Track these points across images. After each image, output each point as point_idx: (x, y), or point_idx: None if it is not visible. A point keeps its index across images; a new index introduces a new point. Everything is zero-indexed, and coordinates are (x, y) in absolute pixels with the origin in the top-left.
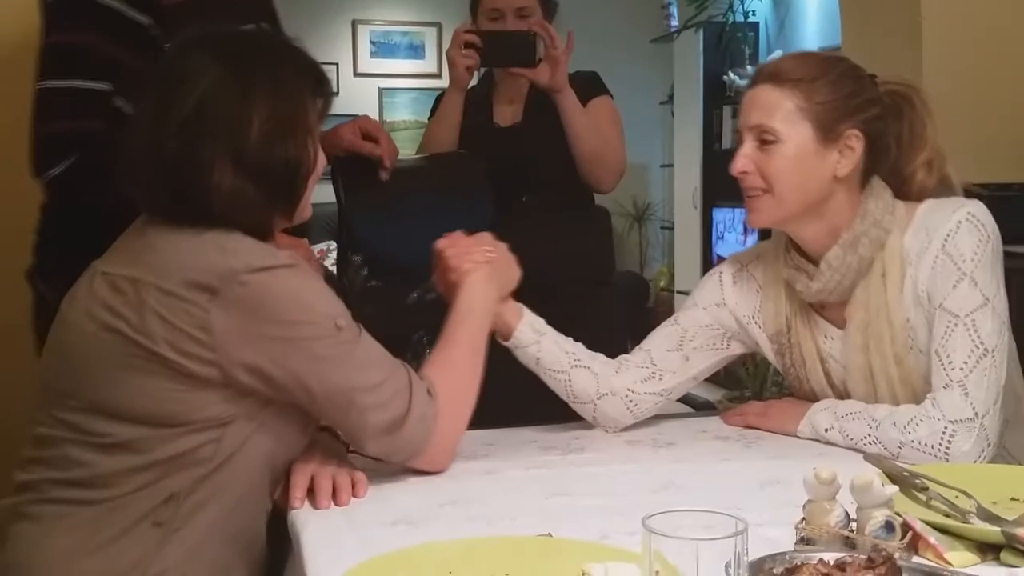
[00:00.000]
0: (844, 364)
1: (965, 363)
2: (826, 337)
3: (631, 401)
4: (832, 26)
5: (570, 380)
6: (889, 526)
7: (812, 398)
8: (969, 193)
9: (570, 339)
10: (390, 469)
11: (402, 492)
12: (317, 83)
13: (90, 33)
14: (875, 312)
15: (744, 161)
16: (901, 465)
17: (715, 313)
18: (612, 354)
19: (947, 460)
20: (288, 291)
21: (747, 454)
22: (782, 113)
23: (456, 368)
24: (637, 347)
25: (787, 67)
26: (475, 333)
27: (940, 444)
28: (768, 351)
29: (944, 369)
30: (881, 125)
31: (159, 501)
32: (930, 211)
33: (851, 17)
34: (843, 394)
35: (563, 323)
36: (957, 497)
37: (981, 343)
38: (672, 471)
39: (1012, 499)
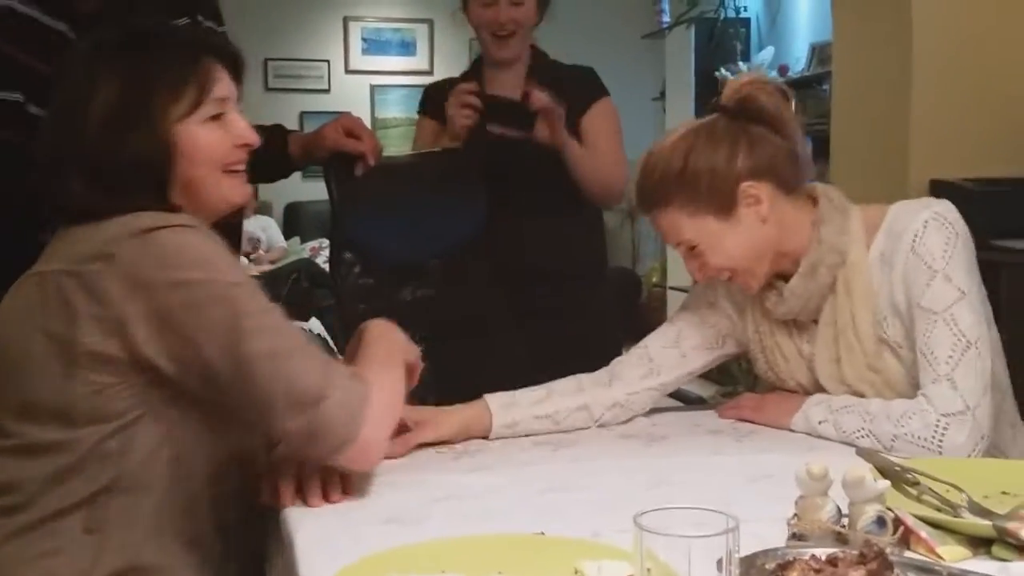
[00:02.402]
0: (827, 376)
1: (950, 357)
2: (809, 338)
3: (629, 402)
4: (824, 22)
5: (566, 431)
6: (881, 521)
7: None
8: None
9: (548, 394)
10: (377, 467)
11: (394, 490)
12: (183, 70)
13: (4, 44)
14: (842, 327)
15: (694, 271)
16: (893, 459)
17: (709, 313)
18: (606, 349)
19: (941, 453)
20: (183, 246)
21: (740, 448)
22: (681, 226)
23: (383, 370)
24: (634, 346)
25: (650, 187)
26: (393, 351)
27: (934, 437)
28: (755, 352)
29: (930, 365)
30: (755, 154)
31: (84, 506)
32: (896, 215)
33: (842, 12)
34: (823, 390)
35: (557, 319)
36: (948, 491)
37: (963, 336)
38: (665, 466)
39: (1003, 493)
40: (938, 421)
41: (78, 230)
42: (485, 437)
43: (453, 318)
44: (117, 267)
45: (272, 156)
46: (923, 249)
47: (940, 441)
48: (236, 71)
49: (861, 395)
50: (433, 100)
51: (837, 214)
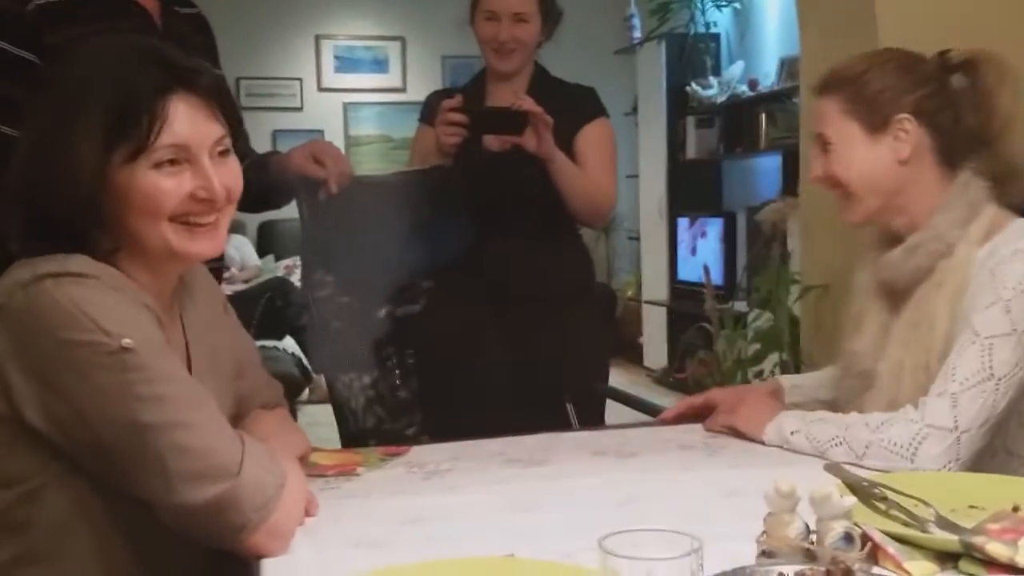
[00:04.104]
0: (887, 356)
1: (967, 379)
2: (889, 311)
3: None
4: (792, 36)
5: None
6: (848, 537)
7: (851, 361)
8: None
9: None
10: (348, 488)
11: (363, 512)
12: (130, 108)
13: None
14: (923, 317)
15: (813, 167)
16: (860, 475)
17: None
18: (589, 366)
19: (912, 462)
20: (73, 300)
21: (710, 464)
22: (830, 118)
23: (292, 461)
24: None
25: (835, 72)
26: (295, 443)
27: (910, 444)
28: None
29: (945, 378)
30: (934, 103)
31: None
32: (1011, 230)
33: (809, 27)
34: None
35: (541, 336)
36: (916, 506)
37: (991, 367)
38: (636, 483)
39: (971, 507)
40: (920, 431)
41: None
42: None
43: (435, 336)
44: (4, 319)
45: (266, 187)
46: (1001, 273)
47: (915, 449)
48: (223, 109)
49: (900, 391)
50: (433, 109)
51: (962, 207)
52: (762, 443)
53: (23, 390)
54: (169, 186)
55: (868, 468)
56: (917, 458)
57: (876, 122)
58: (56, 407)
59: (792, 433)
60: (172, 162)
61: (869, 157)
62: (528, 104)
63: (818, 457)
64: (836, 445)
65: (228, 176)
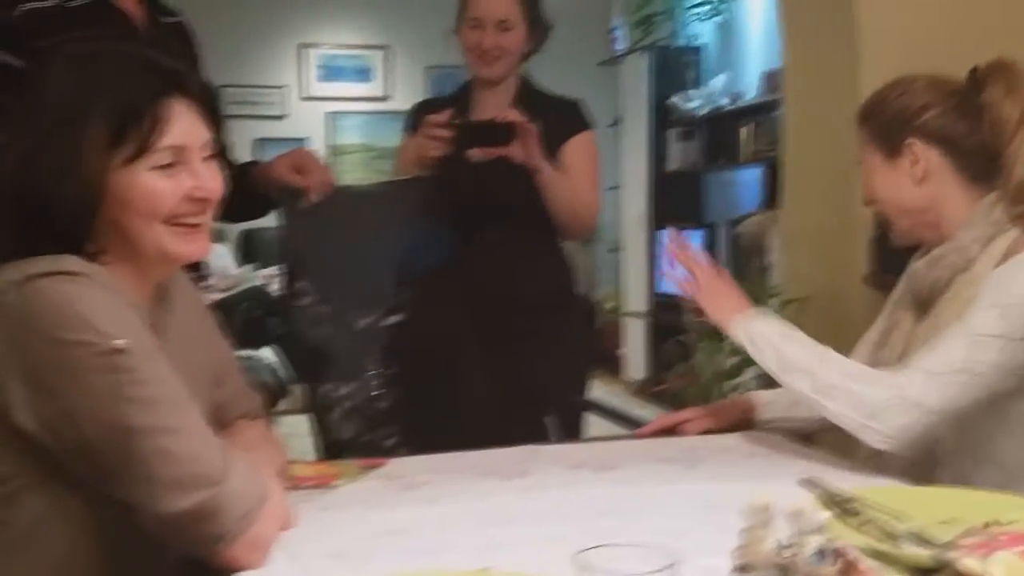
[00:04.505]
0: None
1: (947, 363)
2: (915, 321)
3: None
4: (774, 49)
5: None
6: (823, 552)
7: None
8: None
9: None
10: (325, 500)
11: (340, 523)
12: (132, 110)
13: None
14: (935, 329)
15: (863, 188)
16: (835, 489)
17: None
18: (573, 376)
19: (869, 423)
20: (67, 300)
21: (688, 477)
22: (861, 147)
23: (274, 476)
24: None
25: (864, 103)
26: (275, 458)
27: (876, 406)
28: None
29: (927, 356)
30: (940, 123)
31: None
32: None
33: (790, 40)
34: None
35: (525, 347)
36: (890, 521)
37: (972, 361)
38: (613, 496)
39: (944, 522)
40: (892, 399)
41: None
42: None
43: (415, 347)
44: None
45: (249, 196)
46: (1006, 280)
47: (879, 412)
48: (211, 112)
49: None
50: (418, 119)
51: (986, 225)
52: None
53: (13, 389)
54: (168, 187)
55: (823, 407)
56: (876, 419)
57: (890, 149)
58: (45, 407)
59: (759, 337)
60: (170, 164)
61: (890, 182)
62: (513, 115)
63: (775, 374)
64: (801, 372)
65: (217, 179)
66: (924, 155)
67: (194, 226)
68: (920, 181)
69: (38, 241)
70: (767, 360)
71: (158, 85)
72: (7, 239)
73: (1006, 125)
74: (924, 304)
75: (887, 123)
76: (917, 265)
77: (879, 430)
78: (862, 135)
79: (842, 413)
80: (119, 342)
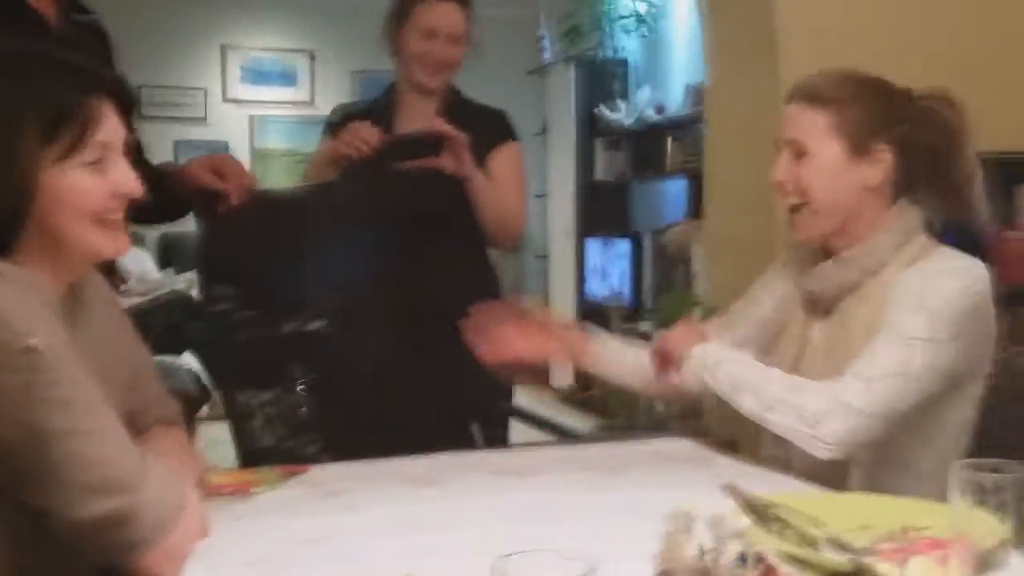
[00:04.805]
0: (811, 366)
1: (884, 369)
2: (811, 328)
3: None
4: (698, 64)
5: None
6: (743, 558)
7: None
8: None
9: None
10: (243, 508)
11: (258, 531)
12: (62, 107)
13: None
14: (843, 330)
15: (780, 171)
16: (756, 495)
17: (759, 292)
18: (496, 384)
19: (813, 430)
20: None
21: (612, 484)
22: (815, 130)
23: (190, 482)
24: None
25: (822, 86)
26: (192, 464)
27: (816, 414)
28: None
29: (864, 362)
30: (911, 138)
31: None
32: (938, 254)
33: (714, 55)
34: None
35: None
36: (810, 526)
37: (907, 364)
38: (536, 503)
39: (863, 527)
40: (829, 405)
41: None
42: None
43: (338, 353)
44: None
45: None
46: (930, 283)
47: (820, 420)
48: (127, 110)
49: None
50: (341, 123)
51: (899, 232)
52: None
53: None
54: (96, 184)
55: (769, 422)
56: (818, 428)
57: (857, 147)
58: None
59: (713, 362)
60: (95, 161)
61: (843, 178)
62: (442, 126)
63: (726, 396)
64: (747, 390)
65: (137, 177)
66: (888, 163)
67: (115, 222)
68: (870, 187)
69: None
70: (720, 382)
71: (84, 84)
72: None
73: (961, 153)
74: (824, 305)
75: (862, 120)
76: (824, 266)
77: (821, 438)
78: (817, 119)
79: (787, 426)
80: (33, 341)
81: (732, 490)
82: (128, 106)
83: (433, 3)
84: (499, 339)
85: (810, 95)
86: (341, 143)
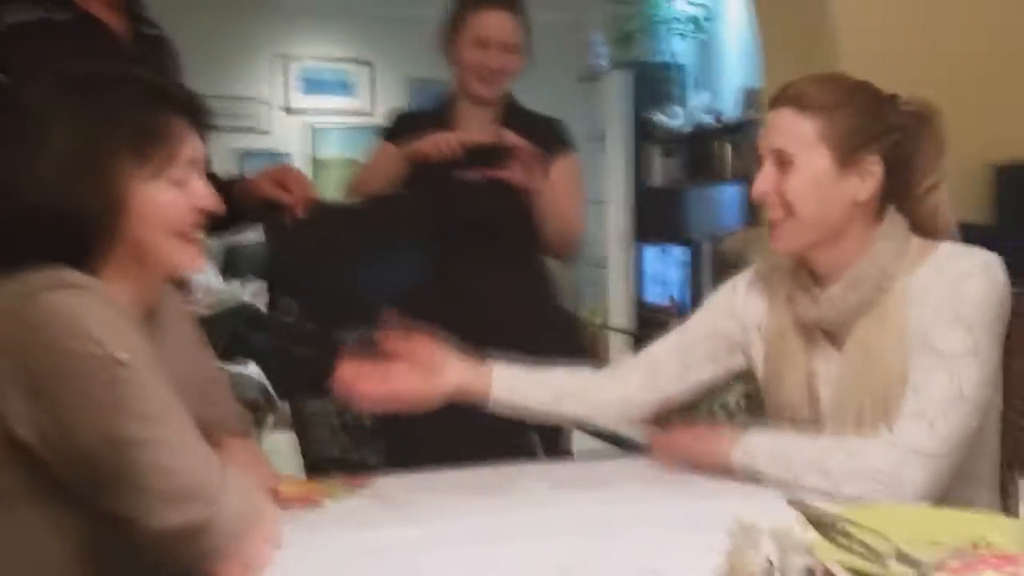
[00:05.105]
0: (834, 399)
1: (940, 400)
2: (820, 357)
3: (625, 407)
4: (753, 67)
5: (560, 412)
6: (810, 572)
7: (783, 417)
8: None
9: (552, 370)
10: (311, 519)
11: (325, 544)
12: (152, 129)
13: None
14: (874, 353)
15: (763, 182)
16: (822, 508)
17: (722, 321)
18: None
19: (896, 490)
20: (71, 312)
21: (674, 496)
22: (801, 138)
23: (264, 495)
24: (642, 350)
25: (810, 92)
26: (268, 477)
27: (893, 472)
28: (758, 360)
29: (917, 399)
30: (901, 150)
31: None
32: (947, 252)
33: (770, 59)
34: (817, 416)
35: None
36: (876, 540)
37: (960, 387)
38: (599, 515)
39: (932, 542)
40: (900, 456)
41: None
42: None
43: None
44: (1, 327)
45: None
46: (961, 294)
47: (899, 476)
48: (204, 127)
49: (861, 429)
50: (399, 128)
51: (899, 238)
52: (730, 470)
53: (13, 400)
54: (179, 199)
55: (846, 495)
56: (900, 486)
57: (847, 158)
58: (45, 419)
59: (763, 455)
60: (181, 179)
61: (831, 191)
62: (511, 137)
63: (790, 483)
64: (812, 471)
65: (214, 191)
66: (878, 176)
67: (194, 237)
68: (858, 200)
69: (46, 254)
70: (778, 473)
71: (170, 105)
72: (14, 251)
73: (939, 162)
74: (836, 333)
75: (853, 130)
76: (832, 291)
77: (907, 493)
78: (806, 127)
79: (866, 492)
80: (121, 355)
81: (797, 503)
82: (205, 124)
83: (484, 13)
84: (377, 376)
85: (797, 100)
86: (424, 143)
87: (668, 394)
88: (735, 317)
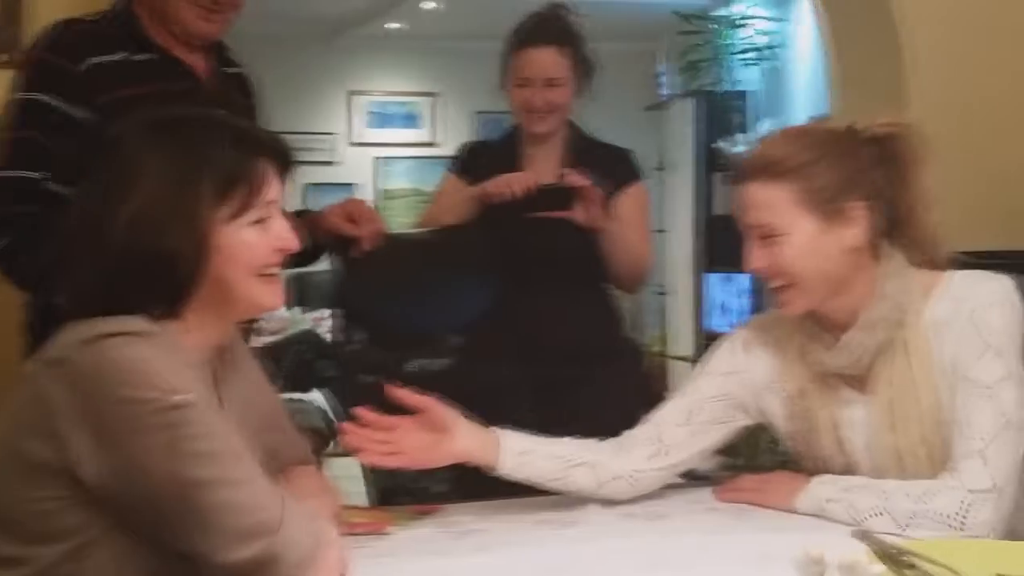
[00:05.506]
0: (870, 443)
1: (987, 433)
2: (845, 404)
3: (635, 480)
4: (820, 96)
5: (568, 484)
6: None
7: (817, 468)
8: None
9: (560, 441)
10: (379, 547)
11: (393, 572)
12: (236, 170)
13: (32, 130)
14: (902, 390)
15: (756, 259)
16: (888, 541)
17: (725, 382)
18: (621, 422)
19: (963, 530)
20: (132, 359)
21: (740, 527)
22: (781, 208)
23: (328, 523)
24: (645, 419)
25: (777, 156)
26: (330, 504)
27: (958, 514)
28: (779, 416)
29: (966, 438)
30: (879, 184)
31: None
32: (960, 281)
33: (838, 87)
34: (852, 464)
35: (572, 394)
36: (944, 574)
37: (1003, 414)
38: (665, 546)
39: (998, 575)
40: (964, 498)
41: (72, 324)
42: (486, 470)
43: (465, 391)
44: (62, 374)
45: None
46: (982, 320)
47: (964, 518)
48: (284, 170)
49: (906, 470)
50: (467, 161)
51: (902, 274)
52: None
53: (79, 444)
54: (262, 239)
55: (915, 537)
56: (967, 527)
57: (830, 212)
58: (110, 460)
59: (828, 502)
60: (261, 219)
61: (824, 248)
62: (576, 179)
63: (856, 525)
64: (877, 515)
65: (293, 230)
66: (866, 218)
67: (275, 275)
68: (853, 247)
69: (135, 296)
70: (843, 518)
71: (253, 148)
72: (98, 293)
73: (913, 180)
74: (856, 378)
75: (829, 184)
76: (850, 336)
77: (976, 534)
78: (781, 195)
79: (934, 535)
80: (178, 398)
81: (865, 535)
82: (287, 166)
83: (524, 51)
84: (387, 441)
85: (766, 170)
86: (492, 185)
87: (677, 463)
88: (738, 377)
